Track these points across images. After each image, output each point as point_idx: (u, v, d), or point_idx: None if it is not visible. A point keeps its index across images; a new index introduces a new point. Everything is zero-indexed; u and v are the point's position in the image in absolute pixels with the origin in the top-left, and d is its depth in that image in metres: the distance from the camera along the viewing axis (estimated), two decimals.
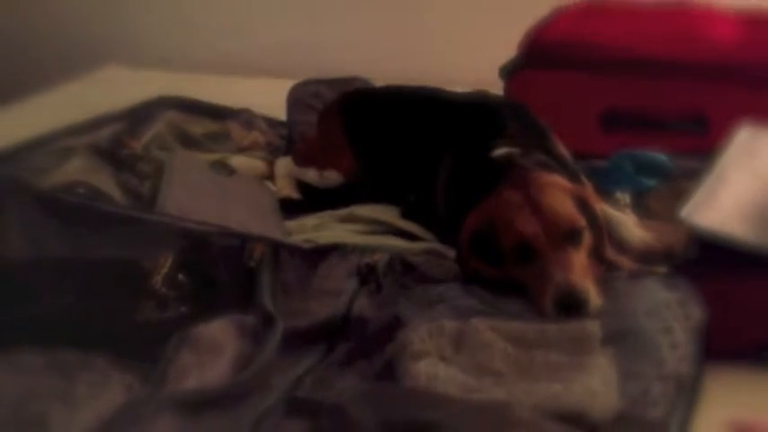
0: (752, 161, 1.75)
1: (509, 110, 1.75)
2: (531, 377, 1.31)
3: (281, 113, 2.33)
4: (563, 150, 1.72)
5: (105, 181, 1.78)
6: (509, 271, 1.48)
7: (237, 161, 2.04)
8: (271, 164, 2.06)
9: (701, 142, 2.12)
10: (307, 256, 1.58)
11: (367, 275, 1.53)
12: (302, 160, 2.01)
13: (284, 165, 2.04)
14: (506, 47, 2.28)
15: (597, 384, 1.27)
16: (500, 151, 1.60)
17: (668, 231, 1.58)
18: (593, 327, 1.36)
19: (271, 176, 2.04)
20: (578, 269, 1.42)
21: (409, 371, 1.32)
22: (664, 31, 2.28)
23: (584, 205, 1.50)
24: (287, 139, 2.21)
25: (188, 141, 2.14)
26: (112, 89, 2.65)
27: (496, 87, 2.21)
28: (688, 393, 1.31)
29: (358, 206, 1.83)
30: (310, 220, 1.78)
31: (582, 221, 1.46)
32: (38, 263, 1.54)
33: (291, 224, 1.78)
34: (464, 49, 2.74)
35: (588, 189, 1.59)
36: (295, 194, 1.97)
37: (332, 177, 1.96)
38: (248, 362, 1.37)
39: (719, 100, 2.17)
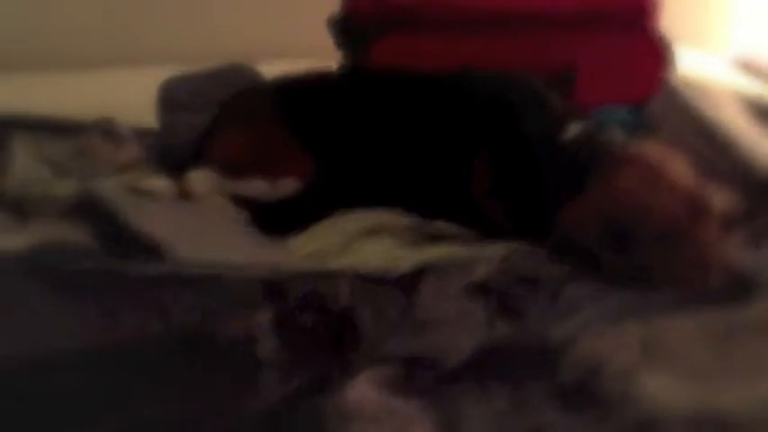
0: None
1: (524, 84, 1.62)
2: (746, 372, 1.22)
3: None
4: None
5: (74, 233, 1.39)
6: (647, 257, 1.38)
7: (148, 184, 1.68)
8: (180, 181, 1.72)
9: (572, 94, 2.16)
10: (398, 286, 1.35)
11: (483, 294, 1.35)
12: (236, 171, 1.70)
13: (205, 180, 1.71)
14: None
15: None
16: (572, 131, 1.48)
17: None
18: None
19: (185, 196, 1.71)
20: (730, 244, 1.36)
21: (630, 394, 1.17)
22: None
23: None
24: (162, 150, 1.87)
25: (58, 168, 1.72)
26: None
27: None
28: None
29: (360, 214, 1.60)
30: (328, 239, 1.52)
31: (710, 192, 1.40)
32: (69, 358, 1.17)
33: (304, 250, 1.51)
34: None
35: None
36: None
37: (287, 186, 1.69)
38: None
39: (586, 50, 2.21)
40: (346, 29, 2.29)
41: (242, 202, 1.69)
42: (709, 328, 1.28)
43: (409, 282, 1.37)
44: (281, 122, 1.72)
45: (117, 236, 1.43)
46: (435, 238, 1.54)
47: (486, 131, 1.59)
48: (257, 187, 1.70)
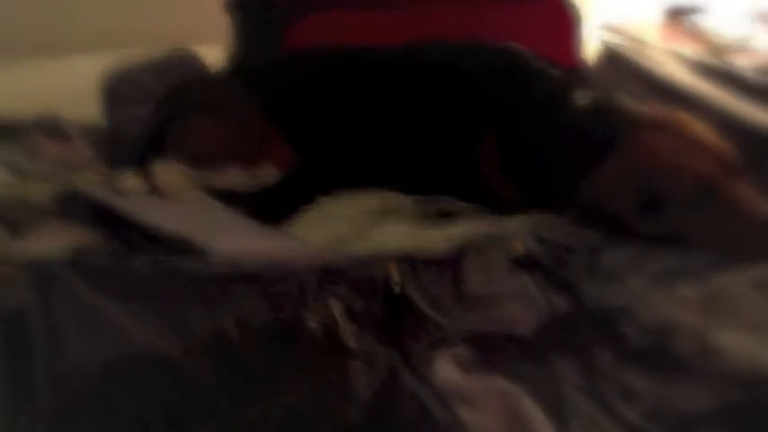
0: None
1: (512, 52, 1.63)
2: None
3: None
4: None
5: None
6: (682, 219, 1.37)
7: (123, 181, 1.59)
8: (147, 177, 1.64)
9: None
10: (443, 266, 1.35)
11: (528, 268, 1.34)
12: (209, 161, 1.64)
13: (172, 172, 1.64)
14: None
15: None
16: (582, 99, 1.49)
17: None
18: None
19: (155, 191, 1.63)
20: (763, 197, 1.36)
21: (709, 351, 1.18)
22: None
23: None
24: (112, 146, 1.77)
25: (20, 171, 1.61)
26: None
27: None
28: None
29: (354, 197, 1.57)
30: (335, 226, 1.49)
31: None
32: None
33: (314, 238, 1.47)
34: None
35: None
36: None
37: (267, 174, 1.64)
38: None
39: (495, 20, 2.26)
40: (251, 10, 2.23)
41: (217, 193, 1.63)
42: (759, 283, 1.30)
43: (452, 261, 1.35)
44: (255, 109, 1.66)
45: (127, 235, 1.36)
46: (449, 217, 1.53)
47: (490, 108, 1.58)
48: (234, 177, 1.64)
